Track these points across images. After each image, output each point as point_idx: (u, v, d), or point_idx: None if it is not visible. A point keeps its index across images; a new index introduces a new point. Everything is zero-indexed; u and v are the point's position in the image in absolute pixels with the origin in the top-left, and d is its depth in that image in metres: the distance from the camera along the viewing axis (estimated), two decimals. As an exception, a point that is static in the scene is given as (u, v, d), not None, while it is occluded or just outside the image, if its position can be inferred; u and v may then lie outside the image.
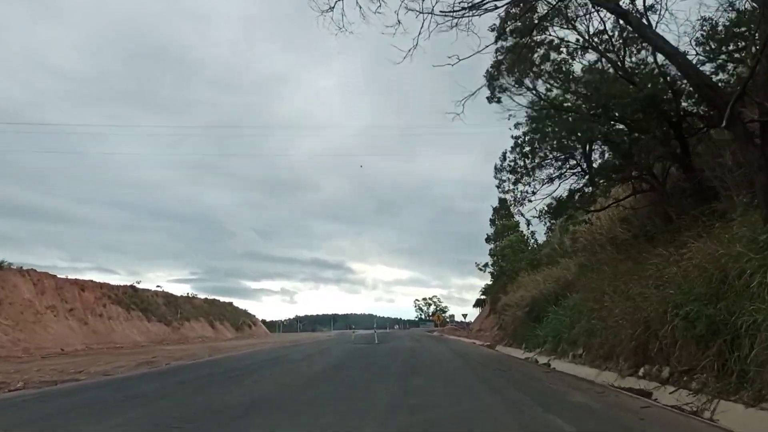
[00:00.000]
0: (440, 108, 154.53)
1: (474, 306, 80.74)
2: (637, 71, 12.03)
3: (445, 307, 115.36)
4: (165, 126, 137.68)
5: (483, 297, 74.49)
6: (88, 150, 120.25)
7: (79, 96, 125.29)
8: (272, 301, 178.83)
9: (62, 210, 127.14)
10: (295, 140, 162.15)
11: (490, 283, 41.25)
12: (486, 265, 40.14)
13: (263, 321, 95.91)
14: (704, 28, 10.06)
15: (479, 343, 28.67)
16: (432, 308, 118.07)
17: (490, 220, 41.44)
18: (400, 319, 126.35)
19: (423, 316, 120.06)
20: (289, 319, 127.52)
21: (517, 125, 14.22)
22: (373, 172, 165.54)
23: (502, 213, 40.39)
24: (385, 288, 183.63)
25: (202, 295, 51.12)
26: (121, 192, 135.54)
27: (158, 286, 41.08)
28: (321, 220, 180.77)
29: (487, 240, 40.81)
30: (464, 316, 67.46)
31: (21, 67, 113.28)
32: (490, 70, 12.95)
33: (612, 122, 12.12)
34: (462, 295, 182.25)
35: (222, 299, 56.00)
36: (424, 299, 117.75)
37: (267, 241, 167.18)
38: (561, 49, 12.68)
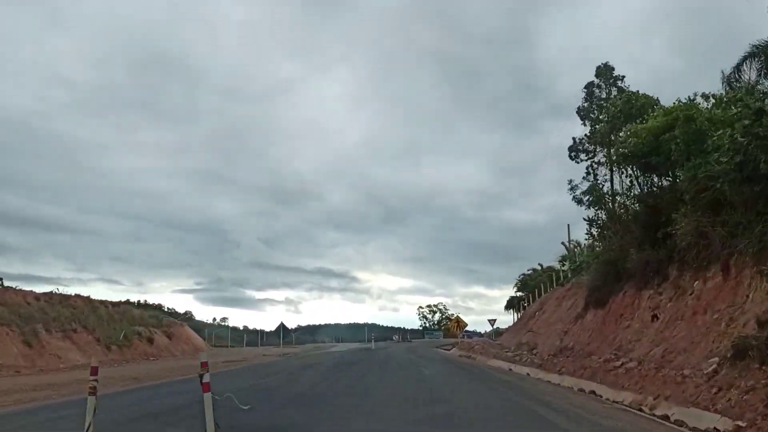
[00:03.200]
0: (446, 115, 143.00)
1: (506, 308, 58.31)
2: None
3: (452, 314, 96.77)
4: (170, 135, 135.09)
5: (519, 294, 51.49)
6: (94, 160, 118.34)
7: (84, 105, 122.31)
8: (277, 311, 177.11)
9: (68, 220, 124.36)
10: (301, 148, 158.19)
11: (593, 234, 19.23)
12: (593, 187, 17.92)
13: (259, 330, 75.35)
14: None
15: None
16: (437, 316, 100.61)
17: (584, 99, 19.26)
18: (403, 328, 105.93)
19: (428, 324, 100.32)
20: (293, 328, 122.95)
21: None
22: (380, 180, 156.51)
23: (612, 89, 18.84)
24: (390, 297, 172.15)
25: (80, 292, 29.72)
26: (126, 202, 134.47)
27: None
28: (326, 229, 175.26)
29: (574, 151, 18.80)
30: (492, 321, 45.46)
31: (28, 77, 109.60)
32: None
33: None
34: (467, 304, 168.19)
35: (95, 296, 34.33)
36: (429, 306, 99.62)
37: (272, 250, 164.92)
38: None
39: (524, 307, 45.42)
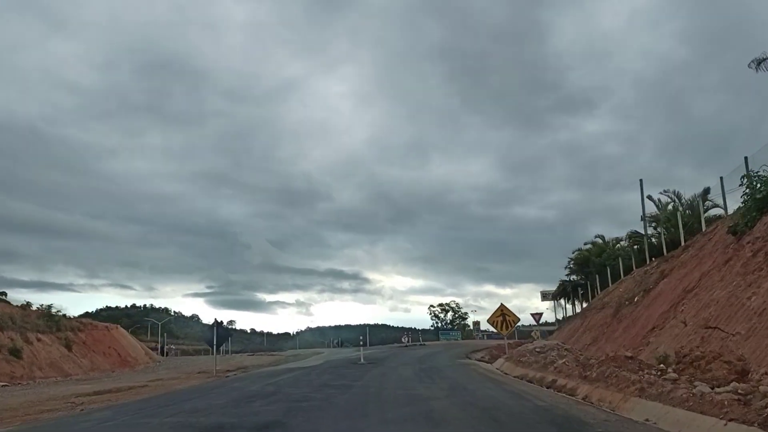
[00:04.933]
0: (454, 111, 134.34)
1: (544, 299, 44.70)
2: None
3: (465, 313, 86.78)
4: (178, 138, 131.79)
5: (573, 278, 37.16)
6: (102, 164, 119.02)
7: (91, 110, 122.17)
8: (287, 314, 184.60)
9: (78, 226, 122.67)
10: (308, 149, 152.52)
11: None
12: None
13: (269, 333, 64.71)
14: None
15: None
16: (450, 315, 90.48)
17: None
18: (414, 328, 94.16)
19: (442, 324, 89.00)
20: (300, 330, 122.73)
21: None
22: (388, 180, 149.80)
23: None
24: (400, 297, 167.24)
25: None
26: (135, 206, 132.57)
27: None
28: (336, 230, 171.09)
29: None
30: (537, 316, 32.85)
31: (34, 83, 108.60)
32: None
33: None
34: (478, 303, 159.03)
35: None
36: (440, 305, 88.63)
37: (282, 252, 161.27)
38: None
39: (582, 296, 32.62)
